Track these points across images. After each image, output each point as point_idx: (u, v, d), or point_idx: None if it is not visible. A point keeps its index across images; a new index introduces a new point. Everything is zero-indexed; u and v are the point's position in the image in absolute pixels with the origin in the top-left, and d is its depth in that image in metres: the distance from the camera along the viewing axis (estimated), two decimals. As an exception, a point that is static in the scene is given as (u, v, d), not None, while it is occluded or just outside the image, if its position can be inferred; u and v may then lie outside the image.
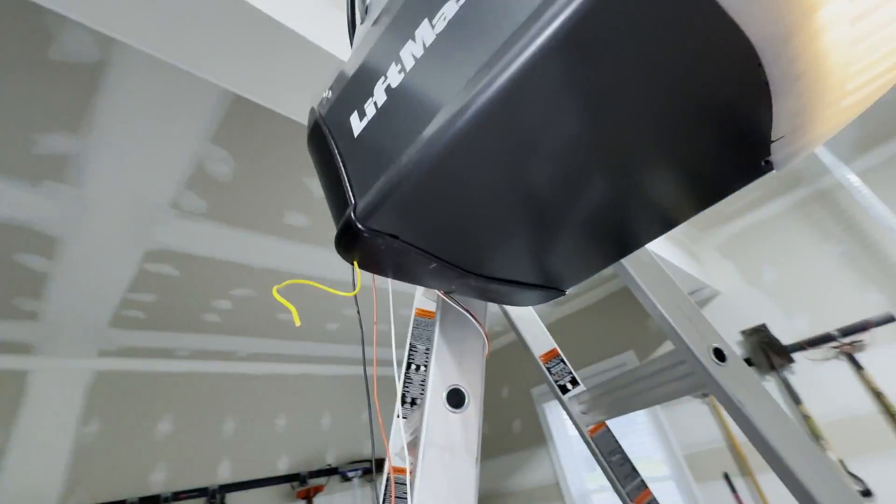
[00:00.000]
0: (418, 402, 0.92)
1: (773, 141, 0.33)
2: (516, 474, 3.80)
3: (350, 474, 3.34)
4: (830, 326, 2.40)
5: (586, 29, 0.22)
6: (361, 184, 0.30)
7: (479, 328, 0.55)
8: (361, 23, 0.41)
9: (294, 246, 2.24)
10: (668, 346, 3.05)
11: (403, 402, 0.90)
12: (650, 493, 0.89)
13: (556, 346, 1.04)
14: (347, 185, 0.31)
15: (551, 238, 0.38)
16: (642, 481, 0.89)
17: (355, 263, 0.33)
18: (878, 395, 2.19)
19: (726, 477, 2.61)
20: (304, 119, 1.08)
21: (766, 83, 0.27)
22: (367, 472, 3.49)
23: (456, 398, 0.50)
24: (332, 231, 2.00)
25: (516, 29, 0.22)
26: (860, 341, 2.30)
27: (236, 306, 2.67)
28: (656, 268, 0.70)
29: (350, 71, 0.34)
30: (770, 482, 2.44)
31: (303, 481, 3.14)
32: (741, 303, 2.82)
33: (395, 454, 0.83)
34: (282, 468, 3.21)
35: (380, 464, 0.86)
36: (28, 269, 1.96)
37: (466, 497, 0.44)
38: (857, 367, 2.27)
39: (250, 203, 1.91)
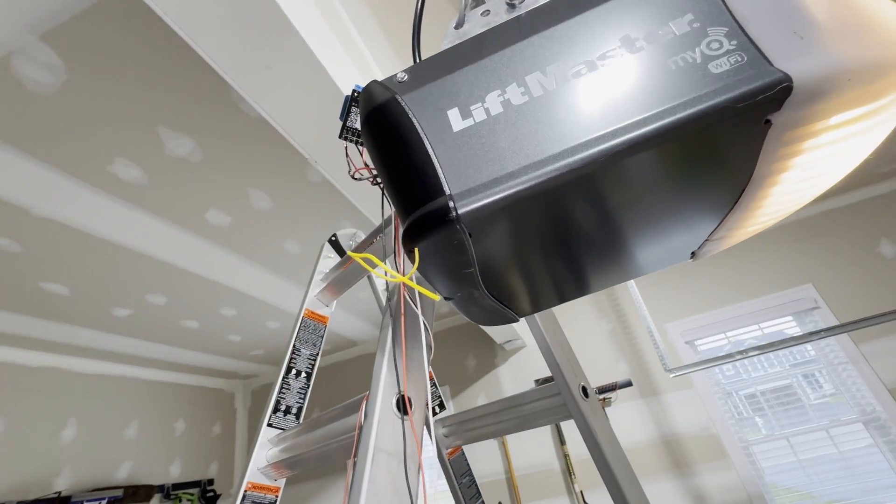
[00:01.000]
0: (294, 411, 0.84)
1: (706, 240, 0.48)
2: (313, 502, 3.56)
3: (88, 505, 2.59)
4: (593, 384, 3.11)
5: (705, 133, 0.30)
6: (459, 177, 0.31)
7: (431, 339, 0.56)
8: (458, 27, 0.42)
9: (114, 203, 1.76)
10: (480, 386, 3.42)
11: (276, 410, 0.81)
12: (488, 512, 0.99)
13: (430, 369, 1.09)
14: (441, 172, 0.31)
15: (551, 279, 0.44)
16: (483, 502, 0.99)
17: (416, 251, 0.32)
18: (613, 441, 2.90)
19: (499, 505, 3.00)
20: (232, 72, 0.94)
21: (736, 202, 0.40)
22: (114, 502, 2.75)
23: (403, 405, 0.50)
24: (173, 198, 1.71)
25: (665, 109, 0.29)
26: (609, 398, 3.03)
27: (-24, 259, 1.90)
28: (551, 313, 0.83)
29: (448, 65, 0.35)
30: (532, 510, 2.91)
31: (8, 515, 2.28)
32: (540, 356, 3.40)
33: (259, 469, 0.74)
34: (-25, 496, 2.28)
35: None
36: None
37: (410, 502, 0.44)
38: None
39: (68, 132, 1.45)
